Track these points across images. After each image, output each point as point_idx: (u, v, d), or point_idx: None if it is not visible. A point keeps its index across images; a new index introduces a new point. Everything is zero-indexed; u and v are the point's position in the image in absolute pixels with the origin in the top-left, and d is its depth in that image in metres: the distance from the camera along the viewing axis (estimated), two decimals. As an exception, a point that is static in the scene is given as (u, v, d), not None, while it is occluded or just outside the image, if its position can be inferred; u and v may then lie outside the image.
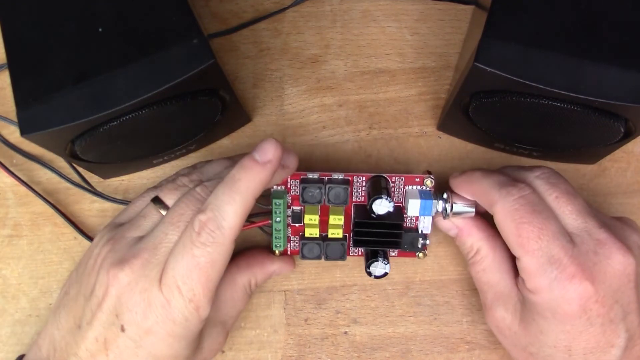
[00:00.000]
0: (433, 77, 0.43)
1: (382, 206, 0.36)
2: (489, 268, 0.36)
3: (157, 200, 0.35)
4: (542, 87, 0.30)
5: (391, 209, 0.36)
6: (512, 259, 0.36)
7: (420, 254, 0.39)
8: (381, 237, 0.37)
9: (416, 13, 0.44)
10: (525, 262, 0.32)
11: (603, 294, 0.31)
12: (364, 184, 0.38)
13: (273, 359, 0.40)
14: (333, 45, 0.43)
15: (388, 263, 0.37)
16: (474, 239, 0.37)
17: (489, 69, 0.30)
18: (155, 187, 0.38)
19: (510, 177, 0.35)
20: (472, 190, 0.36)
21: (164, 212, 0.34)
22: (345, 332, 0.40)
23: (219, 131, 0.42)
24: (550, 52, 0.31)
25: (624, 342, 0.32)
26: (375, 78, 0.43)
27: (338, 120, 0.43)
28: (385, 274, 0.37)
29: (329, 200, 0.37)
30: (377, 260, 0.37)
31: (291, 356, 0.40)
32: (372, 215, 0.36)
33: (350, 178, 0.38)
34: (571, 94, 0.30)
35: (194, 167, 0.39)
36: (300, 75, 0.43)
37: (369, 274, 0.37)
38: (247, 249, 0.40)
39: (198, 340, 0.34)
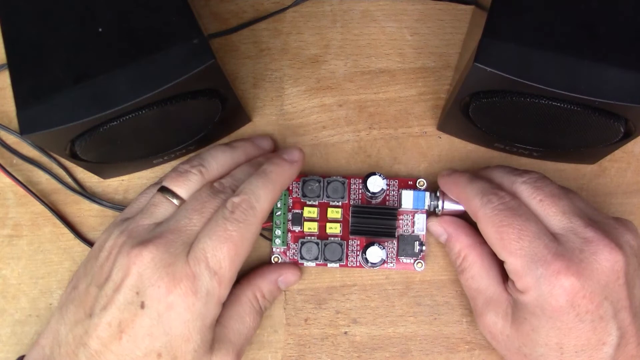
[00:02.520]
0: (433, 77, 0.43)
1: (376, 183, 0.38)
2: (477, 275, 0.37)
3: (164, 189, 0.35)
4: (542, 87, 0.30)
5: (384, 187, 0.38)
6: (500, 265, 0.36)
7: (419, 264, 0.40)
8: (377, 224, 0.39)
9: (416, 13, 0.44)
10: (511, 264, 0.33)
11: (590, 289, 0.31)
12: (361, 186, 0.40)
13: (273, 359, 0.40)
14: (333, 45, 0.43)
15: (384, 249, 0.38)
16: (462, 245, 0.38)
17: (489, 69, 0.30)
18: (156, 184, 0.38)
19: (494, 183, 0.36)
20: (457, 195, 0.38)
21: (174, 200, 0.35)
22: (345, 332, 0.40)
23: (219, 131, 0.42)
24: (550, 52, 0.31)
25: (616, 339, 0.32)
26: (375, 78, 0.43)
27: (338, 120, 0.43)
28: (382, 260, 0.38)
29: (327, 195, 0.39)
30: (373, 245, 0.38)
31: (291, 356, 0.40)
32: (367, 193, 0.39)
33: (347, 180, 0.40)
34: (571, 94, 0.30)
35: (189, 159, 0.39)
36: (300, 75, 0.43)
37: (366, 260, 0.38)
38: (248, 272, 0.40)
39: (212, 332, 0.33)
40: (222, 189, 0.35)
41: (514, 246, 0.33)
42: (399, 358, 0.40)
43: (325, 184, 0.40)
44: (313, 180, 0.40)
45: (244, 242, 0.33)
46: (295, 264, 0.40)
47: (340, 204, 0.40)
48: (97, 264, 0.34)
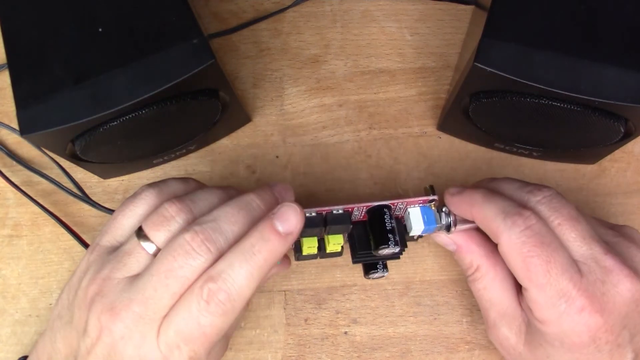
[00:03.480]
0: (433, 77, 0.43)
1: (388, 250, 0.35)
2: (490, 286, 0.35)
3: (141, 235, 0.31)
4: (542, 87, 0.30)
5: (396, 250, 0.35)
6: (514, 276, 0.35)
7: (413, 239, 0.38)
8: (381, 259, 0.37)
9: (416, 13, 0.44)
10: (534, 295, 0.32)
11: (612, 323, 0.31)
12: (365, 209, 0.36)
13: (273, 359, 0.40)
14: (333, 45, 0.43)
15: (387, 271, 0.37)
16: (474, 255, 0.36)
17: (489, 69, 0.30)
18: (133, 197, 0.33)
19: (513, 200, 0.34)
20: (471, 214, 0.34)
21: (148, 249, 0.31)
22: (345, 332, 0.40)
23: (219, 131, 0.42)
24: (550, 52, 0.31)
25: None
26: (375, 78, 0.43)
27: (338, 120, 0.43)
28: (383, 276, 0.38)
29: (328, 233, 0.35)
30: (377, 271, 0.37)
31: (291, 356, 0.40)
32: (377, 254, 0.36)
33: (350, 210, 0.35)
34: (571, 94, 0.30)
35: (185, 182, 0.35)
36: (300, 75, 0.43)
37: (368, 277, 0.38)
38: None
39: None
40: (196, 248, 0.30)
41: (541, 280, 0.31)
42: (399, 358, 0.40)
43: (327, 228, 0.35)
44: (313, 227, 0.34)
45: (220, 332, 0.29)
46: (287, 257, 0.38)
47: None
48: (76, 303, 0.32)
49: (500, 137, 0.39)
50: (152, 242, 0.31)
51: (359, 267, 0.41)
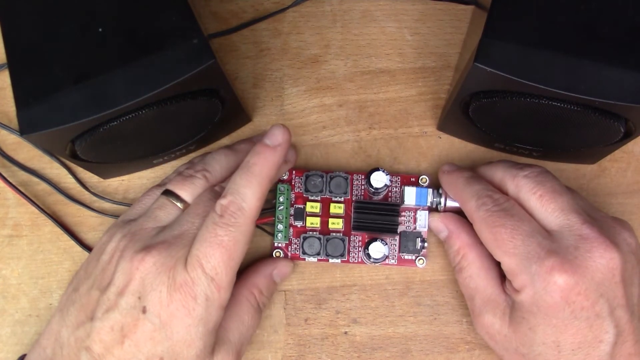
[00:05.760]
0: (433, 77, 0.43)
1: (379, 179, 0.39)
2: (475, 274, 0.37)
3: (168, 193, 0.36)
4: (542, 87, 0.30)
5: (388, 183, 0.39)
6: (498, 266, 0.36)
7: (420, 261, 0.40)
8: (379, 220, 0.39)
9: (416, 13, 0.44)
10: (506, 263, 0.33)
11: (585, 286, 0.31)
12: (363, 182, 0.40)
13: (273, 359, 0.40)
14: (333, 45, 0.43)
15: (386, 245, 0.39)
16: (462, 243, 0.38)
17: (489, 69, 0.30)
18: (159, 185, 0.38)
19: (494, 181, 0.36)
20: (454, 196, 0.38)
21: (178, 204, 0.35)
22: (345, 332, 0.40)
23: (219, 131, 0.42)
24: (550, 52, 0.31)
25: (613, 337, 0.32)
26: (375, 78, 0.43)
27: (338, 120, 0.43)
28: (385, 256, 0.39)
29: (330, 191, 0.40)
30: (376, 241, 0.39)
31: (291, 356, 0.40)
32: (370, 189, 0.39)
33: (350, 175, 0.40)
34: (571, 94, 0.30)
35: (192, 162, 0.39)
36: (300, 75, 0.43)
37: (368, 256, 0.39)
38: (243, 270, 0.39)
39: (214, 336, 0.33)
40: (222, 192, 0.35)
41: (508, 245, 0.33)
42: (399, 358, 0.40)
43: (328, 179, 0.40)
44: (316, 175, 0.40)
45: (236, 245, 0.32)
46: (289, 259, 0.40)
47: (342, 199, 0.40)
48: (99, 267, 0.34)
49: (500, 137, 0.39)
50: (179, 197, 0.35)
51: (359, 267, 0.41)
